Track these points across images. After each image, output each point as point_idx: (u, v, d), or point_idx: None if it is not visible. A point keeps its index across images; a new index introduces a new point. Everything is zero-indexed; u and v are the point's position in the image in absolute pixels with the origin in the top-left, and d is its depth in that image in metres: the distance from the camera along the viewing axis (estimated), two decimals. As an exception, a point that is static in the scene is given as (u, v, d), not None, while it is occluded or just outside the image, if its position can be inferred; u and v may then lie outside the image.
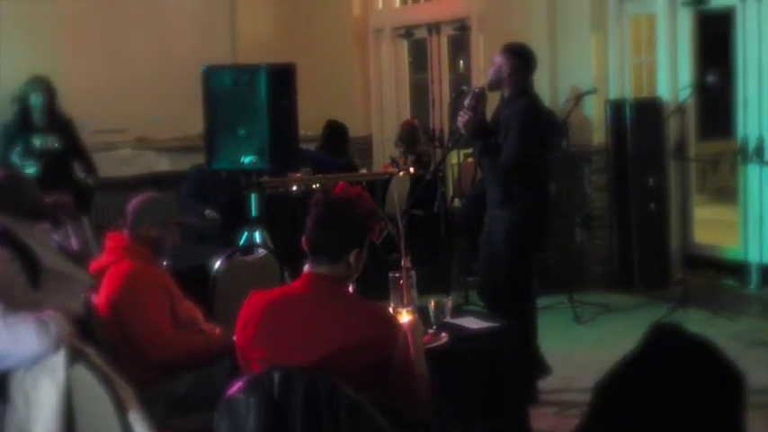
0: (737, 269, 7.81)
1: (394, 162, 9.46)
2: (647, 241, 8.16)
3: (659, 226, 8.19)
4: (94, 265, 4.36)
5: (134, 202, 4.47)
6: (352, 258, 3.22)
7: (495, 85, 5.63)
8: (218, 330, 4.38)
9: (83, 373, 3.03)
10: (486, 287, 5.77)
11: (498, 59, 5.58)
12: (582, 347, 6.66)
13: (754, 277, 7.68)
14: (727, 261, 7.99)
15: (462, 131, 5.54)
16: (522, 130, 5.42)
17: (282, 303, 3.24)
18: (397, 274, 4.03)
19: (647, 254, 8.15)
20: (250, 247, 5.91)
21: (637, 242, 8.14)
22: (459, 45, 10.54)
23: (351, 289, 3.39)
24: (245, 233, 6.33)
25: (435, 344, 3.96)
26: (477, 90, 5.63)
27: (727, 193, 10.02)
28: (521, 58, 5.61)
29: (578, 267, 8.25)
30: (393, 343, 3.12)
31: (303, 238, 3.25)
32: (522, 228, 5.52)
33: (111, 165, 8.89)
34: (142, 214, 4.42)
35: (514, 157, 5.39)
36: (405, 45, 10.98)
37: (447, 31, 10.28)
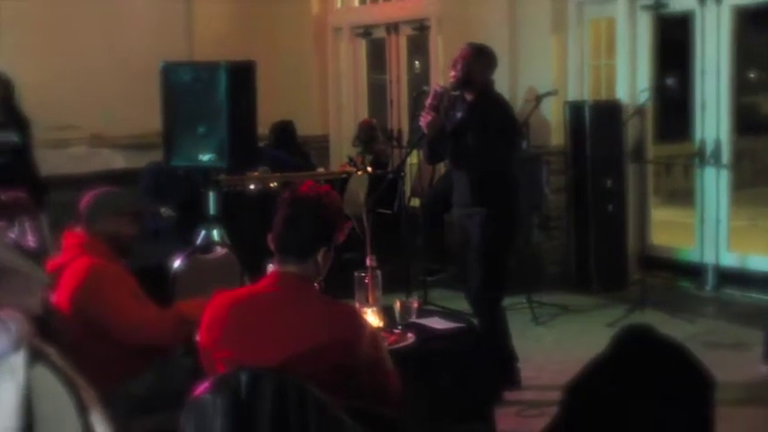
0: (694, 270, 7.89)
1: (351, 161, 9.41)
2: (604, 242, 8.21)
3: (617, 227, 8.24)
4: (51, 263, 4.26)
5: (86, 198, 4.33)
6: (319, 257, 3.17)
7: (463, 83, 5.61)
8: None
9: (43, 374, 2.96)
10: (471, 289, 5.79)
11: (467, 58, 5.58)
12: (541, 348, 6.66)
13: (711, 279, 7.76)
14: (684, 263, 8.07)
15: (425, 131, 5.53)
16: (507, 127, 5.57)
17: (249, 303, 3.18)
18: (362, 274, 4.00)
19: (604, 255, 8.20)
20: (209, 245, 5.84)
21: (594, 243, 8.18)
22: (418, 45, 10.54)
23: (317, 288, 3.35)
24: (203, 231, 6.26)
25: (401, 344, 3.93)
26: (438, 89, 5.62)
27: (680, 196, 10.10)
28: (489, 58, 5.68)
29: (535, 268, 8.27)
30: (362, 341, 3.08)
31: (270, 237, 3.19)
32: (500, 224, 5.59)
33: (65, 162, 8.76)
34: (95, 209, 4.28)
35: (508, 146, 5.58)
36: (363, 44, 10.95)
37: (406, 31, 10.27)
